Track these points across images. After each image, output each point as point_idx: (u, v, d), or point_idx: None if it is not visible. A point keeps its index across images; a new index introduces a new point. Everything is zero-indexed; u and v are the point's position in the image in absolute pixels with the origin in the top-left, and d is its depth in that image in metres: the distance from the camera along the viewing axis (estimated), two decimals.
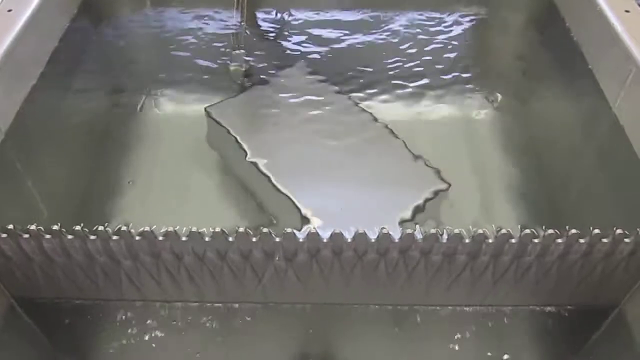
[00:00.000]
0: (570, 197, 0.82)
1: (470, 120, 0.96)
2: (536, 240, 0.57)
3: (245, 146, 0.79)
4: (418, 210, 0.72)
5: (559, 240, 0.57)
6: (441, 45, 1.04)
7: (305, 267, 0.61)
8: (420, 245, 0.57)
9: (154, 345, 0.65)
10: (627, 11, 0.78)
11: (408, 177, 0.76)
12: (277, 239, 0.57)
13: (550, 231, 0.56)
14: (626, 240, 0.57)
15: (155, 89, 0.99)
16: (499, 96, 0.99)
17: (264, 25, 1.04)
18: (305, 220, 0.71)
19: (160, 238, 0.57)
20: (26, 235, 0.57)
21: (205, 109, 0.84)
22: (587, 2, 0.82)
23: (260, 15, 1.04)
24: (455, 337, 0.66)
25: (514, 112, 0.97)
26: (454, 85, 1.00)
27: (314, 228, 0.58)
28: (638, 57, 0.71)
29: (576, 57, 0.83)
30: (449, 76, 1.01)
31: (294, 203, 0.72)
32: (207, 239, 0.57)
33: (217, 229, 0.56)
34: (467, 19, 1.05)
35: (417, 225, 0.71)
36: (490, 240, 0.57)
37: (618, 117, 0.74)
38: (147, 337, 0.66)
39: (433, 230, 0.56)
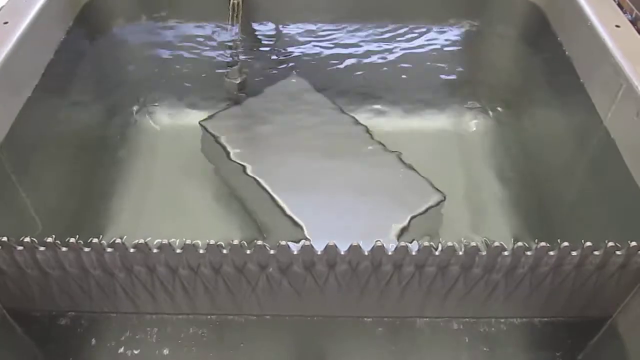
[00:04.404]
0: (562, 209, 0.83)
1: (463, 133, 0.97)
2: (529, 253, 0.57)
3: (239, 159, 0.79)
4: (413, 222, 0.72)
5: (551, 253, 0.57)
6: (435, 59, 1.05)
7: (299, 279, 0.61)
8: (414, 258, 0.58)
9: (148, 357, 0.65)
10: (617, 26, 0.79)
11: (403, 190, 0.76)
12: (272, 252, 0.57)
13: (543, 244, 0.56)
14: (618, 252, 0.57)
15: (150, 101, 1.00)
16: (492, 110, 1.00)
17: (259, 38, 1.05)
18: (300, 232, 0.71)
19: (155, 250, 0.57)
20: (20, 247, 0.57)
21: (199, 122, 0.85)
22: (579, 17, 0.83)
23: (255, 28, 1.04)
24: (449, 348, 0.66)
25: (506, 125, 0.98)
26: (447, 98, 1.01)
27: (308, 241, 0.58)
28: (628, 72, 0.71)
29: (568, 71, 0.84)
30: (442, 89, 1.02)
31: (288, 215, 0.72)
32: (201, 251, 0.57)
33: (212, 242, 0.56)
34: (460, 33, 1.06)
35: (414, 241, 0.72)
36: (483, 253, 0.57)
37: (609, 130, 0.74)
38: (141, 350, 0.65)
39: (427, 243, 0.57)
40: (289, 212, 0.73)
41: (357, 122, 0.86)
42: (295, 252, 0.57)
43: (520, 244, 0.56)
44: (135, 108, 0.98)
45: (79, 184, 0.86)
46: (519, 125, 0.96)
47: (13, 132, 0.72)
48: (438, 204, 0.75)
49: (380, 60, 1.04)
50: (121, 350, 0.65)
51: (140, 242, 0.56)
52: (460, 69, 1.06)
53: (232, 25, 0.94)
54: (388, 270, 0.59)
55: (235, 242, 0.56)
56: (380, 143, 0.82)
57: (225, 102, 0.95)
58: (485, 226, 0.82)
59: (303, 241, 0.57)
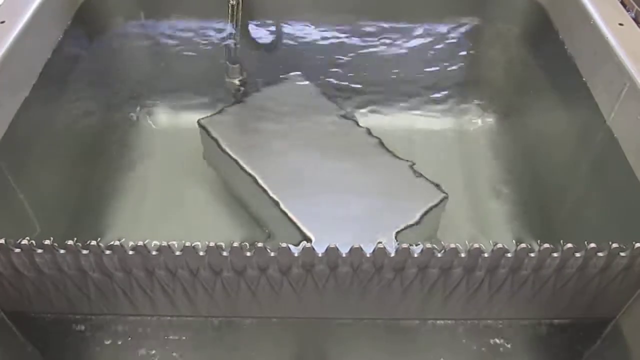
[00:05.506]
0: (565, 209, 0.82)
1: (465, 133, 0.96)
2: (532, 255, 0.57)
3: (239, 158, 0.79)
4: (415, 222, 0.72)
5: (555, 255, 0.57)
6: (436, 57, 1.04)
7: (300, 281, 0.60)
8: (416, 259, 0.57)
9: (147, 359, 0.65)
10: (620, 24, 0.78)
11: (404, 189, 0.76)
12: (272, 254, 0.56)
13: (546, 245, 0.56)
14: (622, 254, 0.57)
15: (150, 101, 0.99)
16: (494, 109, 0.99)
17: (259, 37, 1.04)
18: (301, 234, 0.70)
19: (154, 253, 0.56)
20: (17, 250, 0.56)
21: (198, 121, 0.84)
22: (581, 15, 0.83)
23: (255, 27, 1.04)
24: (451, 350, 0.66)
25: (509, 124, 0.97)
26: (449, 97, 1.01)
27: (309, 242, 0.57)
28: (632, 70, 0.71)
29: (570, 70, 0.84)
30: (444, 88, 1.02)
31: (288, 216, 0.72)
32: (201, 253, 0.56)
33: (212, 244, 0.56)
34: (461, 31, 1.06)
35: (417, 242, 0.71)
36: (486, 255, 0.57)
37: (612, 130, 0.74)
38: (139, 352, 0.65)
39: (429, 245, 0.56)
40: (288, 212, 0.72)
41: (357, 122, 0.86)
42: (295, 254, 0.57)
43: (523, 245, 0.56)
44: (134, 108, 0.98)
45: (78, 185, 0.86)
46: (521, 124, 0.96)
47: (10, 133, 0.72)
48: (440, 203, 0.74)
49: (381, 59, 1.04)
50: (120, 352, 0.65)
51: (139, 244, 0.56)
52: (462, 68, 1.05)
53: (232, 24, 0.94)
54: (390, 272, 0.59)
55: (236, 244, 0.56)
56: (381, 143, 0.82)
57: (226, 102, 0.94)
58: (487, 227, 0.81)
59: (304, 243, 0.56)
